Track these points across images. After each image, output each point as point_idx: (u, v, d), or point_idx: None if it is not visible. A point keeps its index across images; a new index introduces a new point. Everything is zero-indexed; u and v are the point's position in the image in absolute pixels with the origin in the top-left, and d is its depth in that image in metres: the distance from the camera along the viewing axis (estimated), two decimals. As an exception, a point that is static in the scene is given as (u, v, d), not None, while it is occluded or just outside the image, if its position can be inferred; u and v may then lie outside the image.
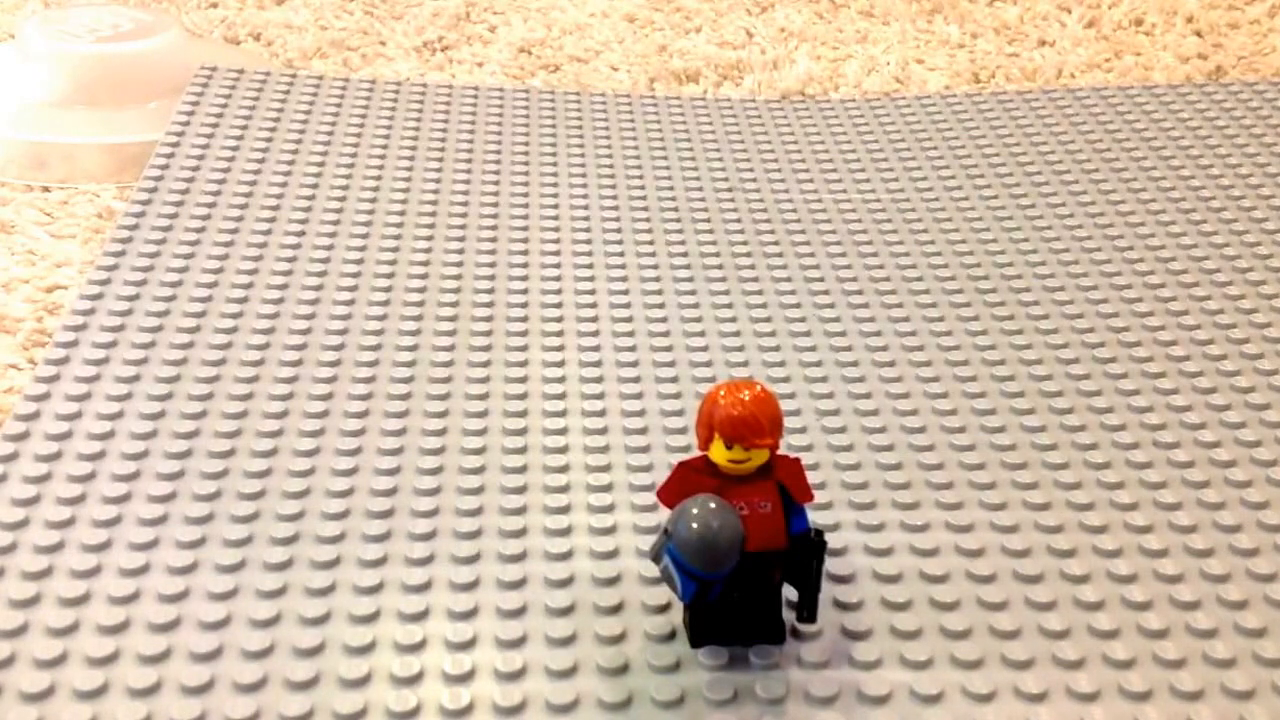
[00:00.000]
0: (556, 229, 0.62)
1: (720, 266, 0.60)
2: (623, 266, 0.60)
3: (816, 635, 0.40)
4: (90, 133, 0.70)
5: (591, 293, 0.57)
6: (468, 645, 0.39)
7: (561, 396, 0.51)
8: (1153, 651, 0.39)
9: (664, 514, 0.38)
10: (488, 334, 0.54)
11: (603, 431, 0.49)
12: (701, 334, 0.55)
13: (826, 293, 0.58)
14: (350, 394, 0.50)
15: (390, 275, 0.58)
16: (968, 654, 0.39)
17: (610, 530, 0.44)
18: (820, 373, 0.52)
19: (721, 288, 0.58)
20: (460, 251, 0.60)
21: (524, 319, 0.55)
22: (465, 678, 0.38)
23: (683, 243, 0.62)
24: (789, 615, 0.39)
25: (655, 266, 0.60)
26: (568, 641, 0.39)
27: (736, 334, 0.55)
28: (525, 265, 0.59)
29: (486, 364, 0.52)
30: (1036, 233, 0.63)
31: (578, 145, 0.71)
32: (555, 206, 0.64)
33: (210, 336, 0.53)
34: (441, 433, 0.48)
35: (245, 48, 0.85)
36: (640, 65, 0.84)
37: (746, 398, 0.37)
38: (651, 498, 0.44)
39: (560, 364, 0.53)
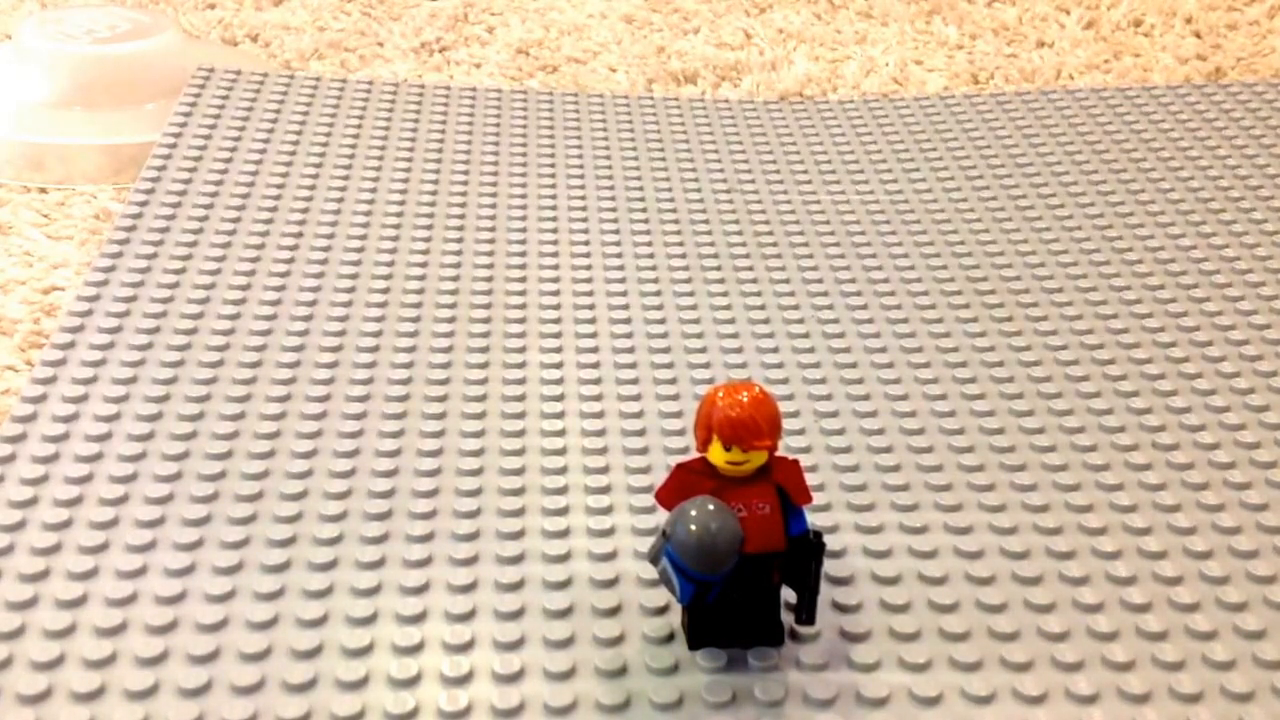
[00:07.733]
0: (554, 230, 0.62)
1: (719, 268, 0.60)
2: (621, 268, 0.59)
3: (815, 637, 0.39)
4: (87, 134, 0.70)
5: (590, 294, 0.57)
6: (466, 647, 0.39)
7: (559, 398, 0.50)
8: (1152, 653, 0.39)
9: (662, 516, 0.38)
10: (485, 335, 0.54)
11: (601, 433, 0.49)
12: (700, 335, 0.55)
13: (825, 294, 0.58)
14: (348, 395, 0.50)
15: (388, 277, 0.58)
16: (967, 656, 0.39)
17: (608, 532, 0.44)
18: (819, 374, 0.52)
19: (720, 289, 0.58)
20: (458, 253, 0.60)
21: (522, 320, 0.55)
22: (463, 680, 0.38)
23: (681, 244, 0.62)
24: (787, 617, 0.39)
25: (654, 268, 0.60)
26: (566, 644, 0.39)
27: (735, 335, 0.55)
28: (523, 267, 0.59)
29: (484, 365, 0.52)
30: (1035, 234, 0.63)
31: (575, 147, 0.71)
32: (553, 208, 0.64)
33: (207, 338, 0.53)
34: (439, 435, 0.48)
35: (243, 49, 0.85)
36: (638, 66, 0.83)
37: (745, 399, 0.37)
38: (650, 499, 0.44)
39: (558, 365, 0.52)
